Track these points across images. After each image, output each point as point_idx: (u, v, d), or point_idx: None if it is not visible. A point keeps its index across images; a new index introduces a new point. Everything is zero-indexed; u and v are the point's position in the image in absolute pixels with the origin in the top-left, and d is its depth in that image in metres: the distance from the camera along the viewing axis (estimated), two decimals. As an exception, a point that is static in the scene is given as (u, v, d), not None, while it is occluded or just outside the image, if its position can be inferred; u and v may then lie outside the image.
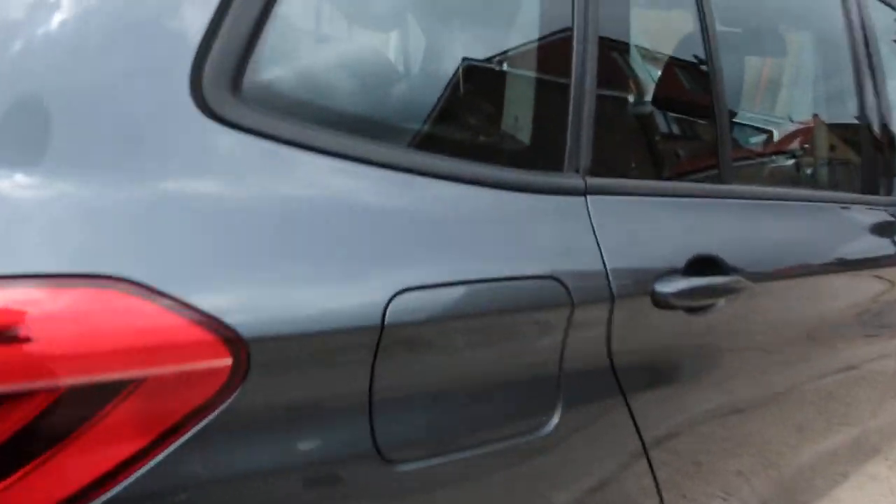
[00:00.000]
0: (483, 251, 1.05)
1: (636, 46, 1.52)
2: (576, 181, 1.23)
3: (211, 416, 0.81)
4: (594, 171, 1.26)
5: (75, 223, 0.75)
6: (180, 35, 0.83)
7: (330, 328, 0.88)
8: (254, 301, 0.84)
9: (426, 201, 1.02)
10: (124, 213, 0.78)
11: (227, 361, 0.82)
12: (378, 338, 0.92)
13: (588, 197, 1.24)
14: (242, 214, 0.85)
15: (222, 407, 0.82)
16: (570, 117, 1.24)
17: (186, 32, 0.83)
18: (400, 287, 0.93)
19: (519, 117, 1.24)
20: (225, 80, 0.85)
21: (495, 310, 1.04)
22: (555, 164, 1.23)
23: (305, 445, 0.89)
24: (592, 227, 1.21)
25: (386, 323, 0.92)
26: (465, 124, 1.19)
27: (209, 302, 0.80)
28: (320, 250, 0.89)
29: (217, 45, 0.84)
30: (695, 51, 1.61)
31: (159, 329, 0.77)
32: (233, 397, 0.82)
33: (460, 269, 1.00)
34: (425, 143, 1.10)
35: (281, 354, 0.85)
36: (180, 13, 0.83)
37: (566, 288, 1.12)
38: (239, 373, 0.82)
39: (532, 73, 1.26)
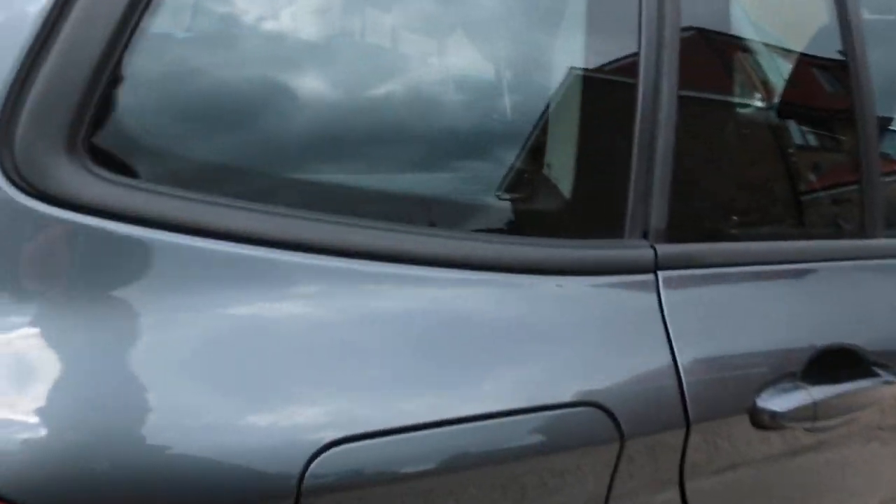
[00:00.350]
0: (477, 372, 0.71)
1: (738, 41, 1.10)
2: (641, 251, 0.86)
3: None
4: (671, 235, 0.89)
5: None
6: None
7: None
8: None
9: (388, 298, 0.69)
10: None
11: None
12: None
13: (660, 274, 0.86)
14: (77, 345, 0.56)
15: None
16: (634, 153, 0.87)
17: None
18: (329, 439, 0.61)
19: (555, 160, 0.88)
20: (55, 135, 0.56)
21: (490, 461, 0.70)
22: (610, 227, 0.87)
23: None
24: (663, 317, 0.84)
25: (304, 489, 0.60)
26: (466, 173, 0.84)
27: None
28: (201, 390, 0.59)
29: (42, 81, 0.55)
30: (828, 49, 1.18)
31: None
32: None
33: (432, 402, 0.67)
34: (390, 205, 0.76)
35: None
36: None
37: (612, 417, 0.76)
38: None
39: (576, 91, 0.89)
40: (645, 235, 0.88)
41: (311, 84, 0.78)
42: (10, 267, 0.55)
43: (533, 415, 0.72)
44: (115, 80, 0.59)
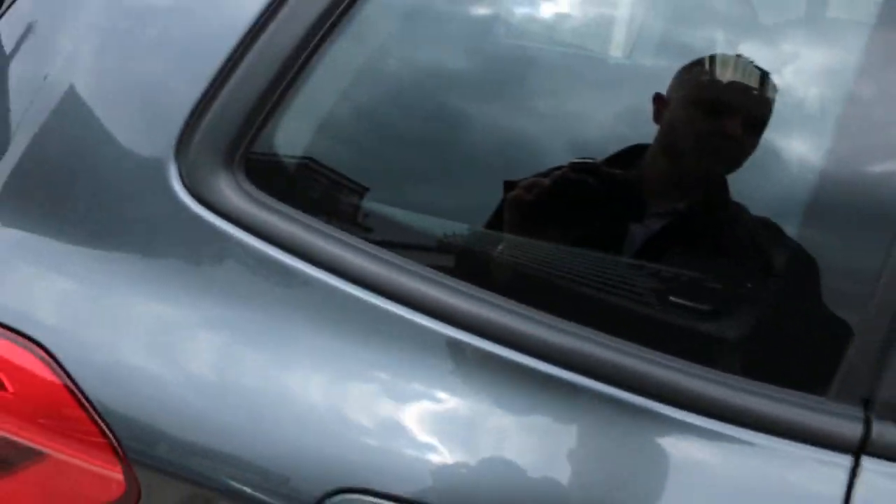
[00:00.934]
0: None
1: None
2: (846, 424, 0.64)
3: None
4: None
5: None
6: (176, 84, 0.69)
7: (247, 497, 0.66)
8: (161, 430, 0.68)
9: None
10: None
11: (119, 476, 0.69)
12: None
13: (864, 462, 0.63)
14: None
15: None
16: (883, 282, 0.64)
17: (185, 81, 0.69)
18: (345, 485, 0.64)
19: (733, 266, 0.70)
20: (218, 152, 0.69)
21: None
22: (806, 379, 0.66)
23: None
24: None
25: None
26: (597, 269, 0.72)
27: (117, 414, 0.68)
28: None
29: (216, 107, 0.68)
30: None
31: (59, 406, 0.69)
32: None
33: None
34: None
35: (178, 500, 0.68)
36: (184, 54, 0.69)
37: None
38: (130, 499, 0.69)
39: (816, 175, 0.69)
40: (867, 405, 0.65)
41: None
42: (167, 257, 0.70)
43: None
44: (274, 114, 0.69)
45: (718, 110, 0.78)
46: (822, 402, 0.65)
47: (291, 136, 0.72)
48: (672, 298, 0.70)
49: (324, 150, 0.75)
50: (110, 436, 0.67)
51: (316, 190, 0.74)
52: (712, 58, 0.79)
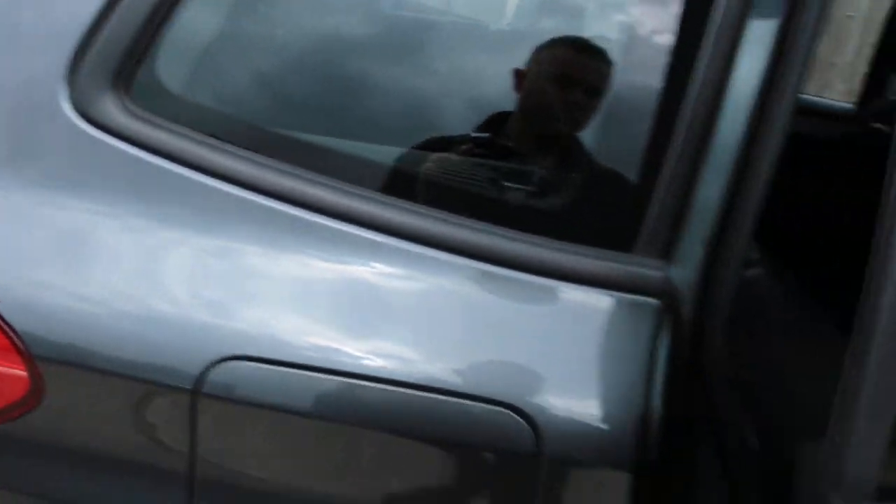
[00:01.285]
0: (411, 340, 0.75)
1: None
2: (650, 273, 0.78)
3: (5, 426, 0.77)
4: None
5: None
6: (64, 19, 0.77)
7: (140, 376, 0.74)
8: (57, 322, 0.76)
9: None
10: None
11: (23, 374, 0.76)
12: (192, 403, 0.74)
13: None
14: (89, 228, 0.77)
15: (19, 420, 0.77)
16: (659, 138, 0.80)
17: (73, 15, 0.76)
18: (227, 354, 0.73)
19: (549, 142, 0.84)
20: (104, 76, 0.77)
21: (360, 420, 0.74)
22: (610, 237, 0.80)
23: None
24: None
25: (203, 391, 0.73)
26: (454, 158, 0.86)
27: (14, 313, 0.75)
28: (157, 285, 0.76)
29: (102, 35, 0.76)
30: None
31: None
32: (29, 414, 0.77)
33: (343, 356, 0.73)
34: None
35: (81, 386, 0.76)
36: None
37: (531, 423, 0.72)
38: (37, 392, 0.76)
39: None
40: (665, 257, 0.78)
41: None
42: (64, 169, 0.78)
43: (422, 394, 0.73)
44: (152, 42, 0.78)
45: (565, 82, 0.95)
46: (630, 257, 0.79)
47: (171, 61, 0.81)
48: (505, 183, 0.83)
49: (201, 73, 0.85)
50: (13, 336, 0.75)
51: (192, 107, 0.83)
52: (560, 39, 0.98)
